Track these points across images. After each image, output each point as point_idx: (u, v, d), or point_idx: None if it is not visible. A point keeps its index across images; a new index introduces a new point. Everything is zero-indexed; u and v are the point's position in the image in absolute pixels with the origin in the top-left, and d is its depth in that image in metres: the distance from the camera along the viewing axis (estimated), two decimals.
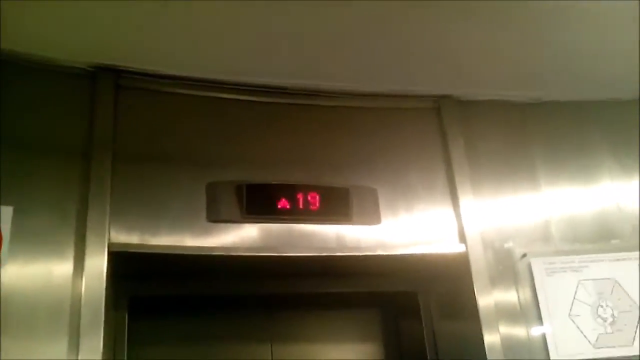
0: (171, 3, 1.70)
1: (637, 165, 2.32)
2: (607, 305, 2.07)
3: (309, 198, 1.98)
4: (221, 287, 2.09)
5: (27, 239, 1.67)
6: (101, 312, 1.66)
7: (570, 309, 2.05)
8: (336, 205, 2.01)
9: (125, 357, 1.95)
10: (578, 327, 2.03)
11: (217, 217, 1.89)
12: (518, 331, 2.01)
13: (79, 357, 1.60)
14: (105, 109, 1.89)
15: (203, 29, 1.83)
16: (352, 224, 2.02)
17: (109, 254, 1.73)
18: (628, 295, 2.09)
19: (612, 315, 2.05)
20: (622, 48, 2.08)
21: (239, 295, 2.18)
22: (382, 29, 1.89)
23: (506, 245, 2.11)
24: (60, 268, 1.68)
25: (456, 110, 2.27)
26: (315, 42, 1.94)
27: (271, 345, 2.29)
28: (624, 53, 2.11)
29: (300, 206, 1.97)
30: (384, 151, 2.17)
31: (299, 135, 2.10)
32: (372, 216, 2.05)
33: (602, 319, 2.05)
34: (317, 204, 1.98)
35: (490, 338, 1.96)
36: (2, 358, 1.53)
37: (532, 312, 2.03)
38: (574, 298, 2.06)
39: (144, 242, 1.80)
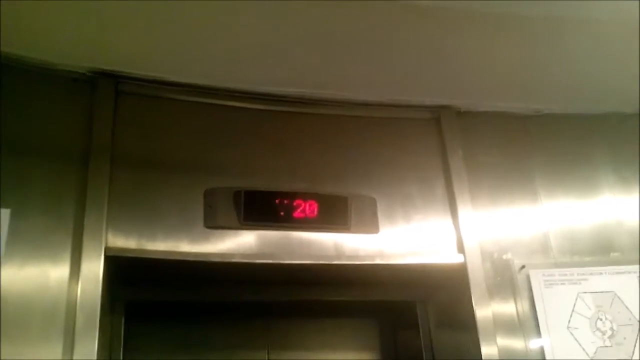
0: (172, 10, 1.70)
1: (638, 178, 2.31)
2: (606, 319, 2.05)
3: (308, 206, 1.98)
4: (218, 293, 2.08)
5: (24, 241, 1.67)
6: (96, 316, 1.66)
7: (569, 322, 2.03)
8: (334, 214, 2.01)
9: None
10: (576, 340, 2.01)
11: (214, 223, 1.89)
12: (516, 343, 1.99)
13: None
14: (104, 114, 1.90)
15: (203, 36, 1.83)
16: (350, 233, 2.01)
17: (106, 258, 1.73)
18: (627, 308, 2.07)
19: (611, 329, 2.04)
20: (623, 61, 2.08)
21: (236, 302, 2.17)
22: (383, 39, 1.90)
23: (505, 257, 2.11)
24: (57, 271, 1.68)
25: (456, 121, 2.27)
26: (316, 51, 1.94)
27: (268, 353, 2.28)
28: (625, 66, 2.11)
29: (299, 214, 1.97)
30: (384, 161, 2.17)
31: (298, 143, 2.10)
32: (370, 225, 2.04)
33: (601, 332, 2.03)
34: (316, 212, 1.98)
35: (488, 349, 1.95)
36: None
37: (530, 324, 2.02)
38: (573, 310, 2.05)
39: (141, 247, 1.80)
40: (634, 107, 2.38)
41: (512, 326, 2.01)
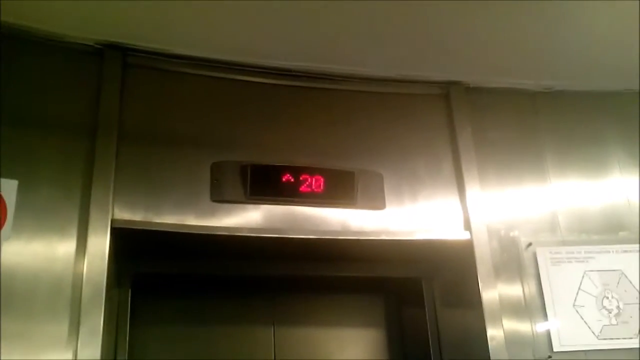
0: None
1: None
2: (612, 297, 2.05)
3: (314, 180, 1.97)
4: (224, 267, 2.09)
5: (32, 213, 1.68)
6: (102, 289, 1.67)
7: (575, 300, 2.03)
8: (341, 189, 2.00)
9: (128, 335, 1.96)
10: (582, 318, 2.01)
11: (221, 197, 1.89)
12: (521, 320, 2.00)
13: (80, 335, 1.61)
14: (111, 86, 1.89)
15: (212, 8, 1.82)
16: (356, 208, 2.01)
17: (112, 230, 1.73)
18: (634, 287, 2.07)
19: (618, 307, 2.04)
20: (636, 38, 2.04)
21: (242, 276, 2.18)
22: (392, 14, 1.88)
23: (512, 234, 2.10)
24: (63, 244, 1.69)
25: (465, 98, 2.26)
26: (325, 26, 1.93)
27: (273, 328, 2.29)
28: (637, 43, 2.07)
29: (305, 188, 1.96)
30: (391, 136, 2.16)
31: (306, 117, 2.10)
32: (377, 201, 2.04)
33: (607, 310, 2.03)
34: (322, 187, 1.98)
35: (493, 327, 1.95)
36: (2, 335, 1.54)
37: (536, 301, 2.02)
38: (579, 289, 2.05)
39: (148, 220, 1.80)
40: None
41: (518, 303, 2.02)
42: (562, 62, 2.21)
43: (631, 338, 2.00)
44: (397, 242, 2.04)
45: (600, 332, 2.00)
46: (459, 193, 2.12)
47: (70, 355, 1.59)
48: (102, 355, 1.62)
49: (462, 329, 2.12)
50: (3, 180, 1.66)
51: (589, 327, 2.00)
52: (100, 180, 1.77)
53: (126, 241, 1.80)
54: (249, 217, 1.91)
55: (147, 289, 2.04)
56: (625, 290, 2.06)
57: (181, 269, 2.05)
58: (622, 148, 2.30)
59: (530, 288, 2.03)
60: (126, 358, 1.95)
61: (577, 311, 2.01)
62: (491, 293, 1.99)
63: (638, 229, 2.17)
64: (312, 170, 1.99)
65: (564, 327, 1.99)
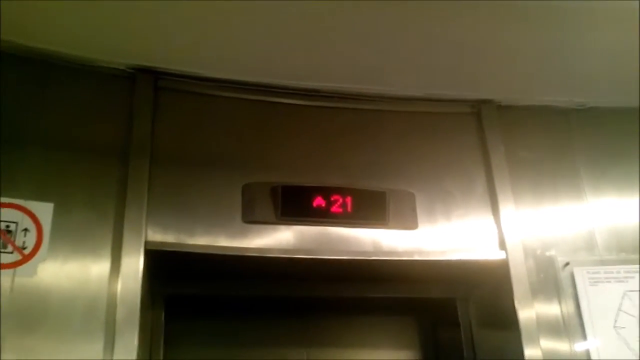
0: (210, 6, 1.71)
1: None
2: None
3: (345, 201, 1.96)
4: (256, 288, 2.08)
5: (66, 236, 1.70)
6: (137, 310, 1.67)
7: (615, 321, 1.97)
8: (372, 209, 1.99)
9: (162, 356, 1.96)
10: (623, 340, 1.95)
11: (252, 218, 1.89)
12: (560, 342, 1.95)
13: (114, 356, 1.61)
14: (143, 110, 1.92)
15: (242, 31, 1.83)
16: (388, 229, 1.99)
17: (146, 252, 1.74)
18: None
19: None
20: None
21: (274, 297, 2.17)
22: (422, 32, 1.87)
23: (548, 254, 2.06)
24: (98, 266, 1.70)
25: (497, 116, 2.23)
26: (355, 46, 1.92)
27: (306, 350, 2.27)
28: None
29: (336, 209, 1.95)
30: (423, 156, 2.14)
31: (337, 138, 2.09)
32: (409, 221, 2.02)
33: None
34: (353, 207, 1.96)
35: (531, 349, 1.90)
36: (37, 354, 1.55)
37: (574, 322, 1.97)
38: (619, 309, 1.99)
39: (180, 242, 1.81)
40: None
41: (556, 325, 1.97)
42: (595, 79, 2.17)
43: None
44: (431, 263, 2.01)
45: None
46: (493, 212, 2.09)
47: None
48: None
49: (499, 350, 2.08)
50: (39, 203, 1.69)
51: (631, 349, 1.94)
52: (134, 203, 1.78)
53: (159, 263, 1.81)
54: (280, 238, 1.90)
55: (180, 311, 2.04)
56: None
57: (213, 290, 2.05)
58: None
59: (569, 308, 1.98)
60: None
61: (618, 333, 1.96)
62: (528, 313, 1.95)
63: None
64: (343, 191, 1.97)
65: (604, 349, 1.93)
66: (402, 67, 2.06)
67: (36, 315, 1.59)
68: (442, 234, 2.04)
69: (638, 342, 1.95)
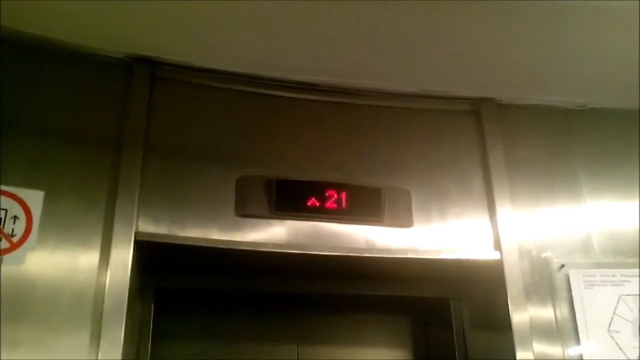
0: None
1: None
2: None
3: (340, 197, 1.95)
4: (248, 283, 2.06)
5: (56, 224, 1.68)
6: (124, 302, 1.66)
7: (610, 325, 1.96)
8: (367, 206, 1.97)
9: (149, 349, 1.94)
10: (617, 344, 1.94)
11: (245, 212, 1.87)
12: (553, 345, 1.93)
13: (100, 347, 1.60)
14: (139, 99, 1.90)
15: (240, 23, 1.82)
16: (383, 226, 1.98)
17: (136, 243, 1.73)
18: None
19: None
20: None
21: (265, 292, 2.15)
22: (423, 29, 1.86)
23: (543, 255, 2.04)
24: (87, 256, 1.68)
25: (496, 114, 2.21)
26: (353, 40, 1.91)
27: (297, 346, 2.25)
28: None
29: (331, 205, 1.94)
30: (420, 153, 2.13)
31: (333, 133, 2.07)
32: (404, 219, 2.00)
33: None
34: (348, 203, 1.95)
35: (524, 351, 1.89)
36: (22, 343, 1.54)
37: (568, 325, 1.95)
38: (614, 313, 1.97)
39: (172, 234, 1.79)
40: None
41: (550, 327, 1.95)
42: (596, 79, 2.16)
43: None
44: (425, 261, 2.00)
45: (638, 358, 1.92)
46: (490, 212, 2.07)
47: None
48: None
49: (491, 352, 2.06)
50: (29, 191, 1.68)
51: (625, 354, 1.92)
52: (125, 193, 1.77)
53: (150, 254, 1.80)
54: (273, 233, 1.89)
55: (170, 304, 2.02)
56: None
57: (204, 283, 2.03)
58: None
59: (563, 311, 1.97)
60: None
61: (612, 337, 1.94)
62: (521, 315, 1.93)
63: None
64: (338, 186, 1.96)
65: (598, 353, 1.92)
66: (401, 63, 2.04)
67: (22, 304, 1.58)
68: (437, 232, 2.02)
69: (631, 347, 1.93)
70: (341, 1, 1.73)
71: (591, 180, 2.20)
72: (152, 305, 1.98)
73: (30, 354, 1.54)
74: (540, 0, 1.73)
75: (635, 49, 1.96)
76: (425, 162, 2.11)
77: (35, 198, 1.68)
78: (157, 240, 1.77)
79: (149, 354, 1.94)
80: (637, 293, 2.00)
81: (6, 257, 1.60)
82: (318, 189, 1.94)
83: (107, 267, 1.68)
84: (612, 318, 1.97)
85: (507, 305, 1.94)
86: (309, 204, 1.92)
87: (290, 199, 1.91)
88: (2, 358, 1.51)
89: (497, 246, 2.02)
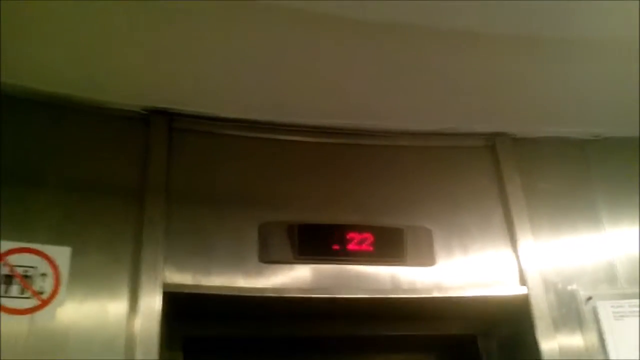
0: (223, 46, 1.73)
1: None
2: None
3: (362, 238, 1.95)
4: (274, 328, 2.05)
5: (84, 279, 1.69)
6: (156, 352, 1.65)
7: None
8: (390, 246, 1.98)
9: None
10: None
11: (269, 257, 1.88)
12: None
13: None
14: (158, 151, 1.92)
15: (256, 71, 1.84)
16: (406, 266, 1.98)
17: (163, 294, 1.73)
18: None
19: None
20: None
21: (291, 337, 2.13)
22: (435, 67, 1.88)
23: (569, 288, 2.03)
24: (115, 307, 1.69)
25: (512, 148, 2.23)
26: (367, 82, 1.93)
27: None
28: None
29: (353, 247, 1.94)
30: (439, 191, 2.13)
31: (352, 175, 2.09)
32: (427, 257, 2.00)
33: None
34: (371, 245, 1.95)
35: None
36: None
37: (599, 358, 1.93)
38: None
39: (197, 283, 1.80)
40: None
41: None
42: (609, 109, 2.17)
43: None
44: (450, 299, 1.99)
45: None
46: (512, 246, 2.07)
47: None
48: None
49: None
50: (56, 247, 1.69)
51: None
52: (150, 244, 1.78)
53: (176, 304, 1.79)
54: (297, 277, 1.89)
55: (199, 351, 2.01)
56: None
57: (230, 331, 2.02)
58: None
59: (593, 343, 1.94)
60: None
61: None
62: (551, 349, 1.92)
63: None
64: (360, 228, 1.96)
65: None
66: (415, 102, 2.06)
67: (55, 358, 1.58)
68: (461, 269, 2.02)
69: None
70: (354, 47, 1.75)
71: (610, 209, 2.19)
72: (181, 354, 1.97)
73: None
74: (550, 35, 1.74)
75: None
76: (444, 199, 2.11)
77: (62, 254, 1.69)
78: (183, 290, 1.77)
79: None
80: None
81: (37, 315, 1.60)
82: (340, 231, 1.95)
83: (137, 318, 1.68)
84: None
85: (536, 339, 1.92)
86: (332, 247, 1.93)
87: (313, 243, 1.92)
88: None
89: (523, 281, 2.01)
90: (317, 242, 1.92)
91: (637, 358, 1.92)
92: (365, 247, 1.94)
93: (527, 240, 2.06)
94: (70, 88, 1.86)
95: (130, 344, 1.65)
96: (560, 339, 1.94)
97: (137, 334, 1.66)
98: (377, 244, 1.95)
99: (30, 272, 1.64)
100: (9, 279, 1.62)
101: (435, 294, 1.96)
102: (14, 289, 1.61)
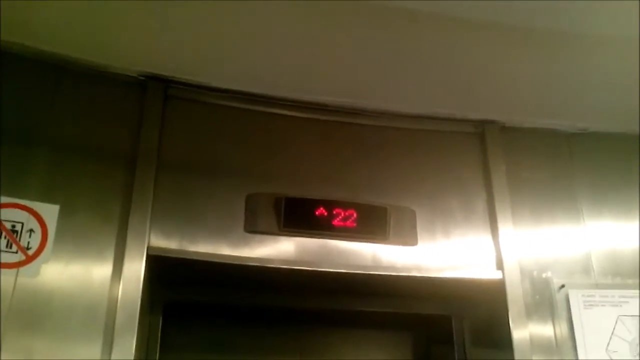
0: (222, 18, 1.74)
1: None
2: None
3: (347, 215, 1.98)
4: (255, 298, 2.10)
5: (71, 238, 1.72)
6: (136, 315, 1.69)
7: (608, 345, 1.99)
8: (374, 224, 2.01)
9: None
10: None
11: (254, 228, 1.91)
12: None
13: (112, 358, 1.63)
14: (152, 116, 1.94)
15: (252, 44, 1.86)
16: (388, 244, 2.01)
17: (148, 257, 1.76)
18: None
19: None
20: None
21: (272, 307, 2.19)
22: (430, 51, 1.90)
23: (544, 275, 2.08)
24: (100, 269, 1.72)
25: (500, 136, 2.26)
26: (361, 62, 1.95)
27: None
28: None
29: (338, 222, 1.97)
30: (425, 173, 2.16)
31: (341, 152, 2.11)
32: (409, 237, 2.04)
33: None
34: (355, 222, 1.98)
35: None
36: (36, 354, 1.58)
37: (567, 344, 1.99)
38: (612, 334, 2.01)
39: (182, 249, 1.83)
40: None
41: (549, 346, 1.99)
42: (596, 104, 2.20)
43: None
44: (428, 279, 2.03)
45: None
46: (492, 232, 2.11)
47: None
48: None
49: None
50: (45, 205, 1.71)
51: None
52: (138, 208, 1.81)
53: (160, 268, 1.83)
54: (281, 249, 1.92)
55: (178, 317, 2.06)
56: None
57: (212, 298, 2.06)
58: None
59: (562, 330, 2.00)
60: None
61: (610, 356, 1.97)
62: (522, 334, 1.97)
63: None
64: (345, 205, 2.00)
65: None
66: (408, 85, 2.08)
67: (37, 316, 1.61)
68: (441, 251, 2.06)
69: None
70: (349, 25, 1.77)
71: (591, 202, 2.24)
72: (161, 318, 2.01)
73: None
74: (544, 27, 1.77)
75: (635, 76, 2.00)
76: (430, 182, 2.15)
77: (50, 212, 1.71)
78: (168, 255, 1.80)
79: None
80: (636, 314, 2.04)
81: (22, 270, 1.63)
82: (326, 206, 1.98)
83: (120, 280, 1.71)
84: (610, 338, 2.00)
85: (508, 323, 1.97)
86: (317, 221, 1.96)
87: (298, 216, 1.95)
88: None
89: (500, 266, 2.05)
90: (302, 216, 1.95)
91: (602, 345, 1.98)
92: (349, 223, 1.98)
93: (508, 227, 2.11)
94: (70, 49, 1.87)
95: (112, 306, 1.69)
96: (531, 325, 1.99)
97: (120, 297, 1.69)
98: (361, 221, 1.99)
99: (18, 227, 1.66)
100: None
101: (415, 274, 2.00)
102: (1, 243, 1.63)
